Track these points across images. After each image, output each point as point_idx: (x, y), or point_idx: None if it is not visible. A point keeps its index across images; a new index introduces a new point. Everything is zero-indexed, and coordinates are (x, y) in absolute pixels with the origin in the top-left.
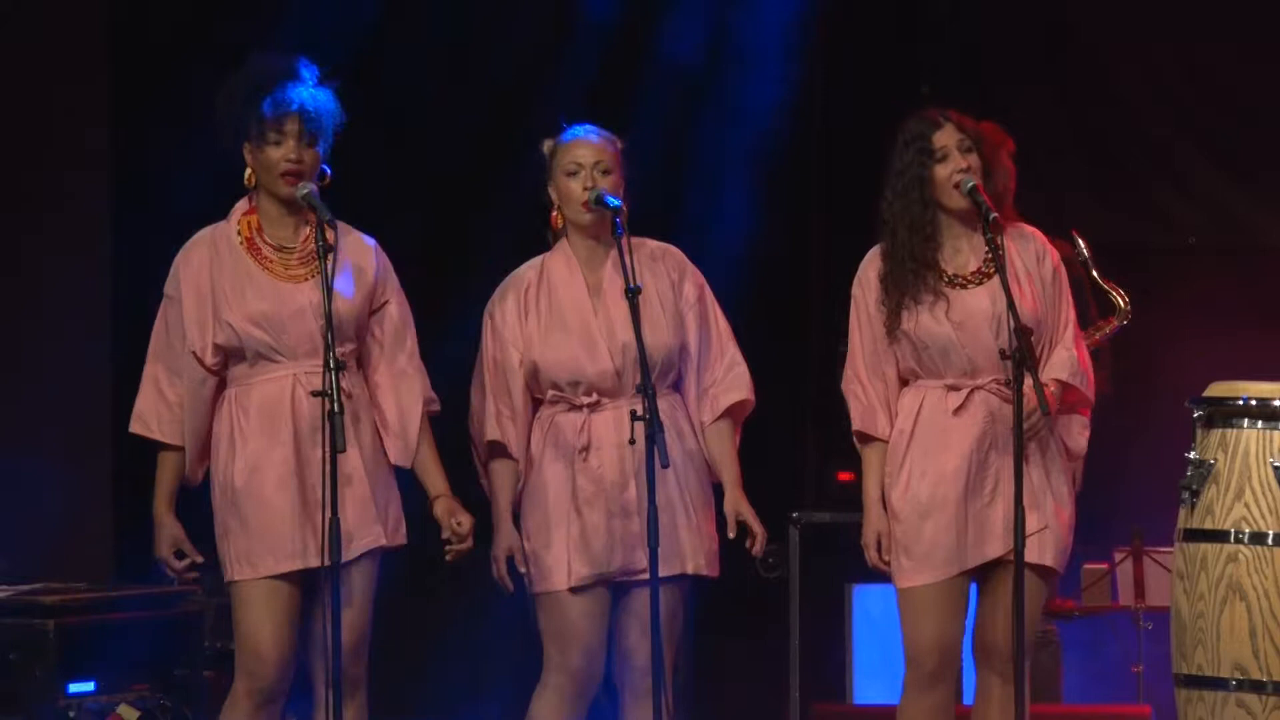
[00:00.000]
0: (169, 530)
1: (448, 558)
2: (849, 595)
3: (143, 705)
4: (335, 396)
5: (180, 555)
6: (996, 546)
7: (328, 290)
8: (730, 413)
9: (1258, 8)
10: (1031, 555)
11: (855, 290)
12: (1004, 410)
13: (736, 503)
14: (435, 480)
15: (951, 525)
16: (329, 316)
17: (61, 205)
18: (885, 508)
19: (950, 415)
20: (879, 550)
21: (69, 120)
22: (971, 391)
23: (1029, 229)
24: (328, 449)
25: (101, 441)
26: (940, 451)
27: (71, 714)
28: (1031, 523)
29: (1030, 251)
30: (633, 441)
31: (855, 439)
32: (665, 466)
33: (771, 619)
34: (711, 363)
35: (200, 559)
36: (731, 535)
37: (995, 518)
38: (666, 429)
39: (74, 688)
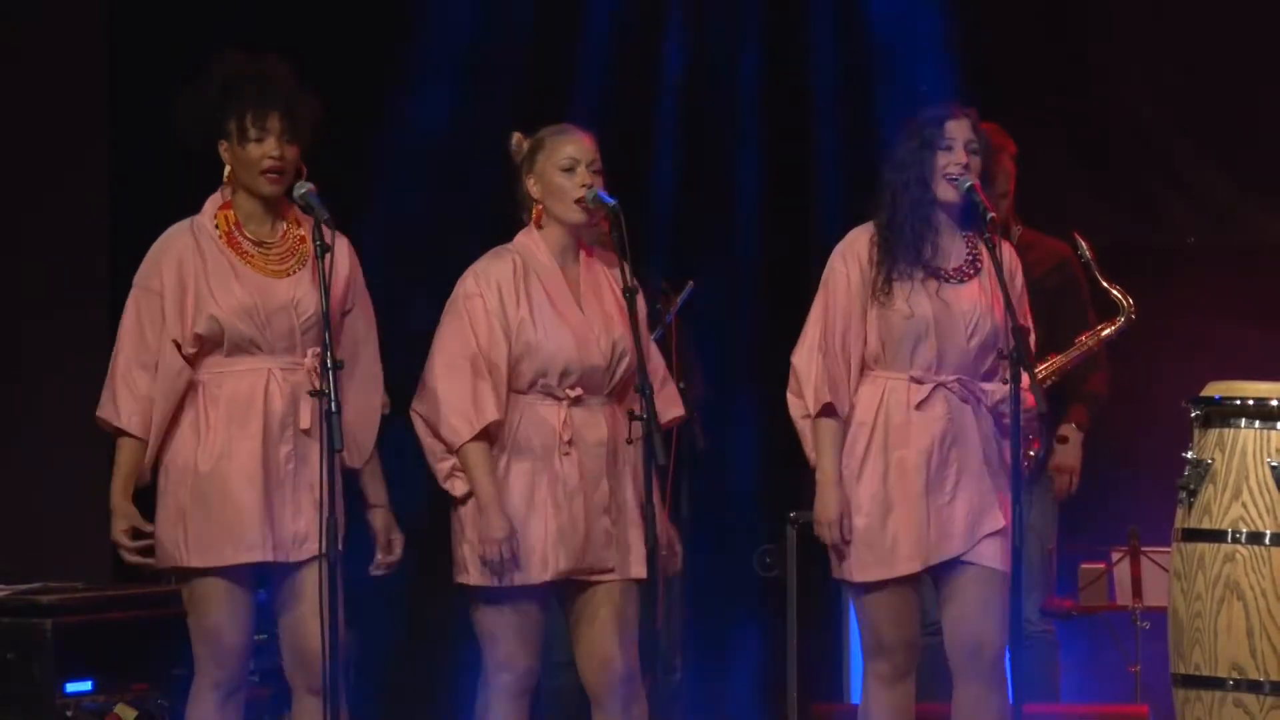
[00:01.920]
0: (126, 514)
1: (378, 572)
2: (846, 594)
3: (140, 705)
4: (334, 396)
5: (136, 536)
6: (956, 545)
7: (325, 290)
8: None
9: (1258, 9)
10: (995, 560)
11: (836, 262)
12: (963, 410)
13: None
14: (379, 489)
15: (913, 521)
16: (327, 317)
17: (61, 206)
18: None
19: (912, 409)
20: (841, 530)
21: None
22: (935, 387)
23: (1007, 244)
24: (325, 447)
25: (100, 441)
26: (900, 446)
27: (69, 713)
28: (992, 521)
29: (1014, 262)
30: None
31: (808, 411)
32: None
33: (769, 619)
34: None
35: (151, 528)
36: (663, 553)
37: (956, 516)
38: (623, 437)
39: (71, 687)
